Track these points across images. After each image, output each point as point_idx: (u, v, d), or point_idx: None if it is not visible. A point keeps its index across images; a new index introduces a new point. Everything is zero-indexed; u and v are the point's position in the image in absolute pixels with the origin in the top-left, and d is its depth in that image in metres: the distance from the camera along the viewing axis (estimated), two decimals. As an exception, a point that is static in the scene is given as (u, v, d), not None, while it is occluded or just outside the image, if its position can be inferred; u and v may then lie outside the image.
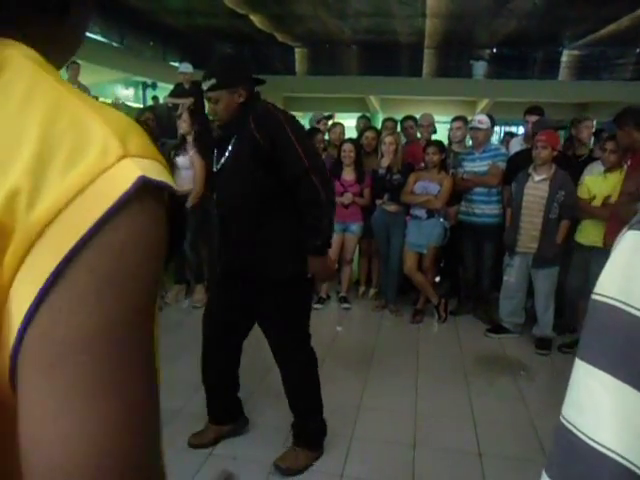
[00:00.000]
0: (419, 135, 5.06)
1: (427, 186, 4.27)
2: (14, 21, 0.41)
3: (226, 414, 2.59)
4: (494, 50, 12.86)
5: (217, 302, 2.43)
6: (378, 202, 4.54)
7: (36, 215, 0.35)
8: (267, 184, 2.13)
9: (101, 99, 7.50)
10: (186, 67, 6.58)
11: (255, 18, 9.93)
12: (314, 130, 5.03)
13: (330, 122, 5.57)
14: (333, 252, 4.67)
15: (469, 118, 4.80)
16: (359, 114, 6.06)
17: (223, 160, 2.23)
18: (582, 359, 0.35)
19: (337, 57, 12.73)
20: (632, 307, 0.33)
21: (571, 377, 0.37)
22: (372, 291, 4.99)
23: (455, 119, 4.70)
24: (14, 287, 0.35)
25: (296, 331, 2.37)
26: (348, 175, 4.60)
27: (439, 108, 11.61)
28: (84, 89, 6.41)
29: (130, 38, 10.66)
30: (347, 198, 4.53)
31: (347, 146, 4.60)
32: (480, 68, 12.90)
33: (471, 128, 4.39)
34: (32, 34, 0.42)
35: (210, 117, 2.27)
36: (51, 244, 0.35)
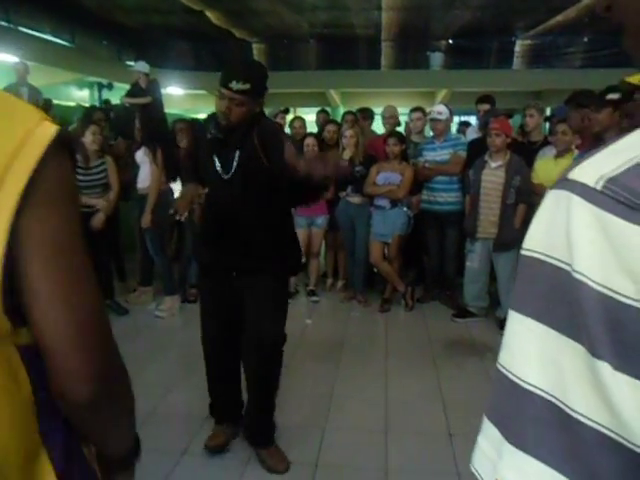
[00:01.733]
0: (377, 129, 5.12)
1: (389, 177, 4.33)
2: None
3: (238, 412, 2.54)
4: (450, 41, 13.09)
5: (214, 302, 2.40)
6: (342, 194, 4.58)
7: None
8: (273, 193, 2.23)
9: (55, 101, 7.29)
10: (142, 66, 6.46)
11: (211, 14, 9.83)
12: (275, 125, 5.04)
13: (288, 116, 5.57)
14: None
15: (427, 109, 4.88)
16: (319, 108, 6.08)
17: (233, 169, 2.21)
18: (513, 308, 0.39)
19: (296, 52, 12.73)
20: (553, 258, 0.36)
21: (505, 327, 0.40)
22: (340, 283, 5.03)
23: (413, 110, 4.78)
24: None
25: (282, 327, 2.39)
26: (311, 169, 4.63)
27: (399, 100, 11.74)
28: (34, 91, 6.21)
29: (82, 37, 10.38)
30: (311, 192, 4.56)
31: (310, 140, 4.62)
32: (437, 59, 13.12)
33: (431, 119, 4.48)
34: None
35: (220, 115, 2.18)
36: (7, 192, 0.52)
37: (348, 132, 4.55)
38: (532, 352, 0.37)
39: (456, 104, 8.08)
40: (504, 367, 0.39)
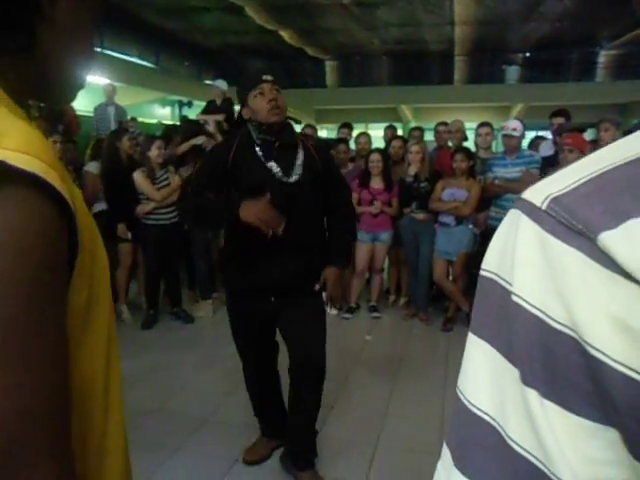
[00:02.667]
0: (449, 142, 5.05)
1: (455, 193, 4.24)
2: None
3: (281, 426, 2.47)
4: (527, 54, 12.69)
5: (248, 327, 2.27)
6: (406, 210, 4.54)
7: None
8: (320, 203, 2.21)
9: (139, 119, 7.79)
10: (221, 83, 6.76)
11: (285, 33, 10.14)
12: (339, 140, 5.09)
13: (354, 132, 5.61)
14: (362, 262, 4.68)
15: (502, 124, 4.74)
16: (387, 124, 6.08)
17: (299, 171, 2.11)
18: (470, 331, 0.38)
19: (367, 68, 12.83)
20: (501, 278, 0.35)
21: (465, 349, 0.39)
22: (402, 300, 4.96)
23: (481, 125, 4.66)
24: None
25: (325, 348, 2.26)
26: (376, 184, 4.62)
27: (472, 115, 11.51)
28: (120, 110, 6.67)
29: (165, 58, 11.04)
30: (376, 207, 4.55)
31: (375, 156, 4.63)
32: (513, 73, 12.74)
33: (505, 135, 4.34)
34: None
35: (264, 115, 2.05)
36: None
37: (414, 148, 4.52)
38: (483, 376, 0.36)
39: (533, 118, 7.81)
40: (460, 390, 0.38)
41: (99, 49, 9.42)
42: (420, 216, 4.44)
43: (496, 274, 0.35)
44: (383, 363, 3.70)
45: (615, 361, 0.28)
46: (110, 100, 6.72)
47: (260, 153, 2.09)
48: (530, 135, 5.99)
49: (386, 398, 3.16)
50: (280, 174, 2.08)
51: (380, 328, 4.56)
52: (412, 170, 4.50)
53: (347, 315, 4.69)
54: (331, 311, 4.73)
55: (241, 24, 9.40)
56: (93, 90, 7.94)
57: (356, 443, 2.55)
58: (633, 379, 0.28)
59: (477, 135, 4.69)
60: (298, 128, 2.66)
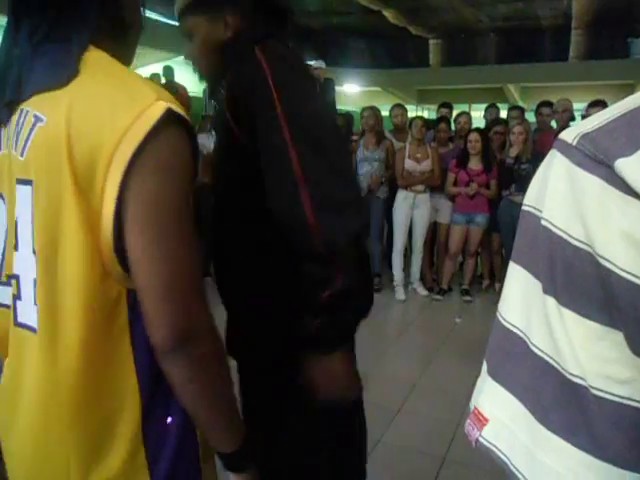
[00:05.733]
0: (554, 123, 4.77)
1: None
2: (98, 42, 0.72)
3: None
4: (658, 25, 11.45)
5: None
6: (505, 193, 4.39)
7: (112, 139, 0.63)
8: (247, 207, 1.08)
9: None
10: (319, 63, 6.87)
11: (388, 13, 10.02)
12: (440, 119, 4.99)
13: (454, 112, 5.47)
14: (456, 244, 4.61)
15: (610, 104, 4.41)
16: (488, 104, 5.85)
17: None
18: (511, 259, 0.43)
19: (473, 47, 12.32)
20: (539, 211, 0.40)
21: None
22: (497, 285, 4.83)
23: (593, 104, 4.35)
24: (106, 184, 0.64)
25: None
26: (475, 165, 4.51)
27: (590, 94, 10.66)
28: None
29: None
30: (472, 188, 4.45)
31: (473, 136, 4.51)
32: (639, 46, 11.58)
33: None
34: (106, 49, 0.73)
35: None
36: (116, 162, 0.63)
37: (517, 128, 4.36)
38: (516, 295, 0.41)
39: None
40: (499, 311, 0.43)
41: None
42: (519, 199, 4.27)
43: (533, 207, 0.40)
44: (471, 347, 3.65)
45: (622, 269, 0.33)
46: (218, 82, 7.11)
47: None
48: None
49: (471, 380, 3.13)
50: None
51: (471, 312, 4.49)
52: (513, 152, 4.34)
53: (438, 297, 4.66)
54: (422, 291, 4.74)
55: (345, 5, 9.43)
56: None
57: (439, 421, 2.59)
58: (636, 284, 0.33)
59: (586, 115, 4.40)
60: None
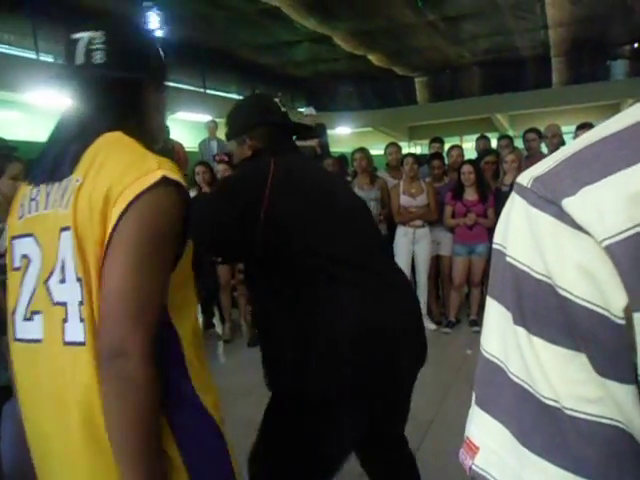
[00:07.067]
0: (544, 148, 4.86)
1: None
2: (118, 126, 0.95)
3: None
4: (635, 45, 11.80)
5: None
6: (503, 221, 4.43)
7: (116, 193, 0.83)
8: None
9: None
10: (310, 110, 7.04)
11: (373, 57, 10.35)
12: (433, 155, 5.09)
13: (445, 145, 5.58)
14: (460, 275, 4.62)
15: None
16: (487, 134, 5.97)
17: None
18: (487, 293, 0.46)
19: (458, 80, 12.66)
20: (504, 248, 0.43)
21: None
22: (505, 313, 4.80)
23: (581, 127, 4.44)
24: (108, 223, 0.84)
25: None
26: (470, 196, 4.57)
27: (576, 117, 10.89)
28: (222, 143, 7.18)
29: (261, 90, 11.71)
30: (470, 219, 4.50)
31: (466, 168, 4.58)
32: (619, 67, 11.90)
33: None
34: (125, 131, 0.95)
35: None
36: (117, 206, 0.82)
37: (509, 157, 4.45)
38: (493, 327, 0.44)
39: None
40: (481, 344, 0.46)
41: (202, 89, 10.25)
42: (518, 226, 4.31)
43: (500, 244, 0.44)
44: (485, 378, 3.62)
45: (578, 297, 0.37)
46: (212, 135, 7.26)
47: None
48: None
49: (489, 412, 3.09)
50: None
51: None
52: (508, 179, 4.40)
53: (447, 329, 4.64)
54: (430, 325, 4.71)
55: (330, 52, 9.77)
56: (197, 127, 8.65)
57: (456, 456, 2.53)
58: (592, 310, 0.36)
59: (575, 138, 4.48)
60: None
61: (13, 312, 0.94)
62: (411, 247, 4.61)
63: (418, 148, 14.87)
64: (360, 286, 1.38)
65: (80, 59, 0.95)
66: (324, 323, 1.35)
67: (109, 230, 0.82)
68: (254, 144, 1.56)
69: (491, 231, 4.50)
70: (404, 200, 4.58)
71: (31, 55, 7.24)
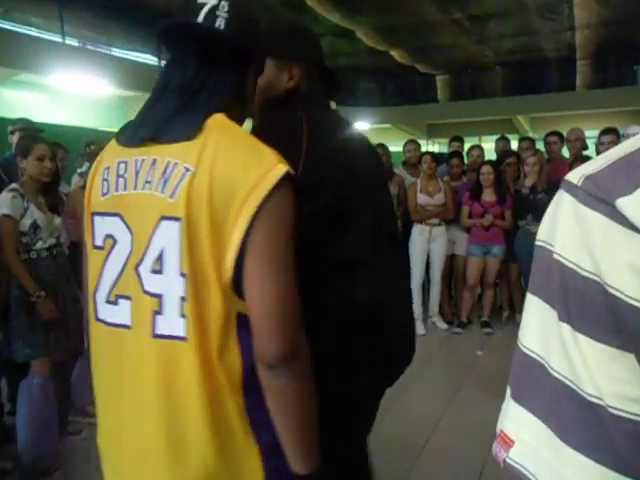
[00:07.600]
0: (565, 152, 4.80)
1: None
2: (223, 106, 0.89)
3: None
4: (663, 52, 11.55)
5: None
6: (521, 223, 4.40)
7: (243, 192, 0.79)
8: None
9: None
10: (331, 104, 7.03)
11: (395, 53, 10.27)
12: (452, 154, 5.07)
13: (466, 145, 5.55)
14: (474, 276, 4.60)
15: (621, 131, 4.42)
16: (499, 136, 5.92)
17: None
18: (528, 291, 0.46)
19: (480, 80, 12.52)
20: (551, 246, 0.44)
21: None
22: (518, 317, 4.78)
23: (605, 132, 4.37)
24: (234, 228, 0.80)
25: None
26: (488, 197, 4.55)
27: (600, 121, 10.71)
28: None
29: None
30: (487, 219, 4.48)
31: (485, 168, 4.56)
32: (646, 74, 11.67)
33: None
34: (226, 112, 0.89)
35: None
36: (247, 206, 0.79)
37: (531, 159, 4.41)
38: (533, 324, 0.45)
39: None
40: (519, 339, 0.46)
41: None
42: (535, 229, 4.26)
43: (545, 242, 0.44)
44: (494, 380, 3.60)
45: (629, 297, 0.37)
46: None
47: None
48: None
49: (495, 415, 3.08)
50: None
51: (492, 344, 4.44)
52: (529, 182, 4.37)
53: (458, 330, 4.63)
54: (441, 325, 4.71)
55: (352, 47, 9.71)
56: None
57: (466, 456, 2.54)
58: None
59: (599, 144, 4.41)
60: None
61: (94, 292, 0.92)
62: (427, 245, 4.60)
63: (436, 146, 14.78)
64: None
65: (204, 20, 0.89)
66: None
67: (240, 233, 0.79)
68: (298, 78, 1.27)
69: (507, 233, 4.47)
70: (421, 198, 4.57)
71: (57, 38, 7.30)
